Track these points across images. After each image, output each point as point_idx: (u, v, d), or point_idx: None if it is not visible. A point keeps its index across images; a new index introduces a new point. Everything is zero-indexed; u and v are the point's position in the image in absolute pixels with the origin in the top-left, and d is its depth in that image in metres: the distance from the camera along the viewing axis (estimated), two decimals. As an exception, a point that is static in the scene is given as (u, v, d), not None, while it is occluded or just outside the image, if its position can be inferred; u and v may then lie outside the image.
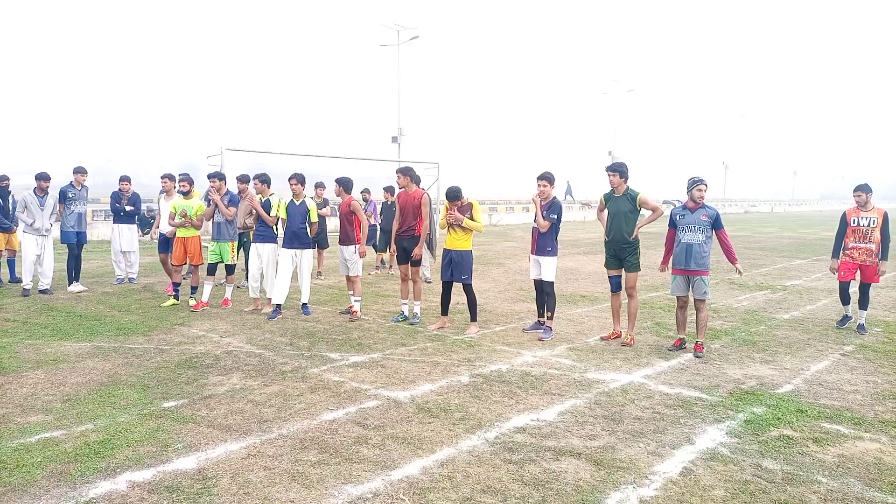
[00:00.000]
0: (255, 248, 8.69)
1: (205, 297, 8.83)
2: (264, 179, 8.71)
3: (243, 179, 10.13)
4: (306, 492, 3.58)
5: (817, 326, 8.28)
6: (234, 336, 7.27)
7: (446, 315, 7.90)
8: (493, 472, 3.87)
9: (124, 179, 11.05)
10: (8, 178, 10.34)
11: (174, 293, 9.15)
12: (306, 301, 8.64)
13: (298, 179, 8.38)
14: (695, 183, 6.70)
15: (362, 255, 8.39)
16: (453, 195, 7.51)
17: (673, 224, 6.89)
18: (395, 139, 36.97)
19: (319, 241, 11.68)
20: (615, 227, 7.09)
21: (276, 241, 8.73)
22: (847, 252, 8.06)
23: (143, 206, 11.85)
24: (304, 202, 8.45)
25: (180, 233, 8.95)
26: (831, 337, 7.68)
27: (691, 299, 6.88)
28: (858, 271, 8.00)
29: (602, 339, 7.30)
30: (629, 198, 7.02)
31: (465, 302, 7.80)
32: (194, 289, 9.01)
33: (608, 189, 7.28)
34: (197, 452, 4.07)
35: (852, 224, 8.00)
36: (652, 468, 3.97)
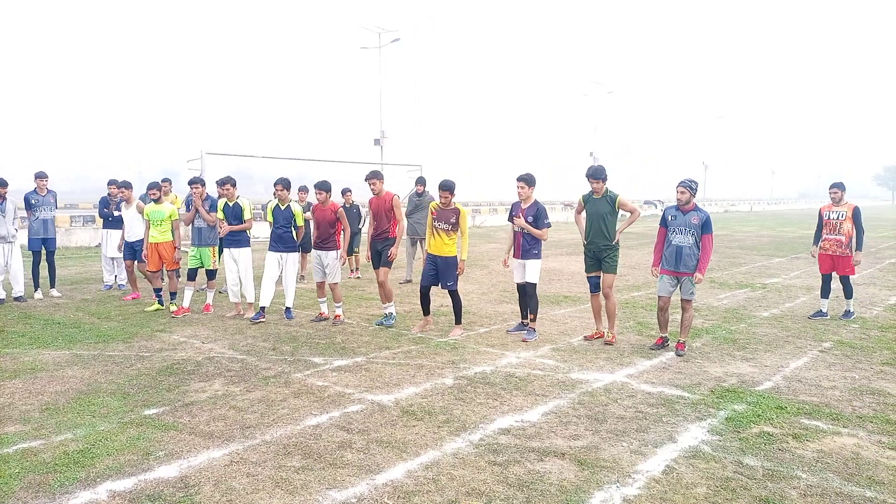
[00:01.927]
0: (230, 253, 8.65)
1: (186, 303, 8.73)
2: (235, 184, 8.62)
3: (223, 183, 10.08)
4: (290, 498, 3.56)
5: (796, 324, 8.40)
6: (215, 342, 7.21)
7: (429, 314, 7.79)
8: (477, 473, 3.88)
9: (112, 183, 10.86)
10: None
11: (157, 298, 9.07)
12: (290, 305, 8.59)
13: (284, 185, 8.32)
14: (690, 186, 6.66)
15: (343, 261, 8.35)
16: (447, 186, 7.40)
17: (665, 223, 6.86)
18: (377, 142, 36.90)
19: (304, 245, 11.62)
20: (595, 229, 7.11)
21: (249, 245, 8.73)
22: (823, 245, 8.79)
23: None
24: (289, 206, 8.39)
25: (153, 238, 8.93)
26: (810, 334, 7.79)
27: (673, 301, 6.92)
28: (834, 264, 8.69)
29: (585, 338, 7.35)
30: (608, 200, 7.04)
31: (449, 304, 7.80)
32: (174, 295, 8.93)
33: (587, 191, 7.31)
34: (179, 460, 4.03)
35: (825, 218, 8.76)
36: (635, 467, 4.00)
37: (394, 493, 3.62)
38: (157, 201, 8.99)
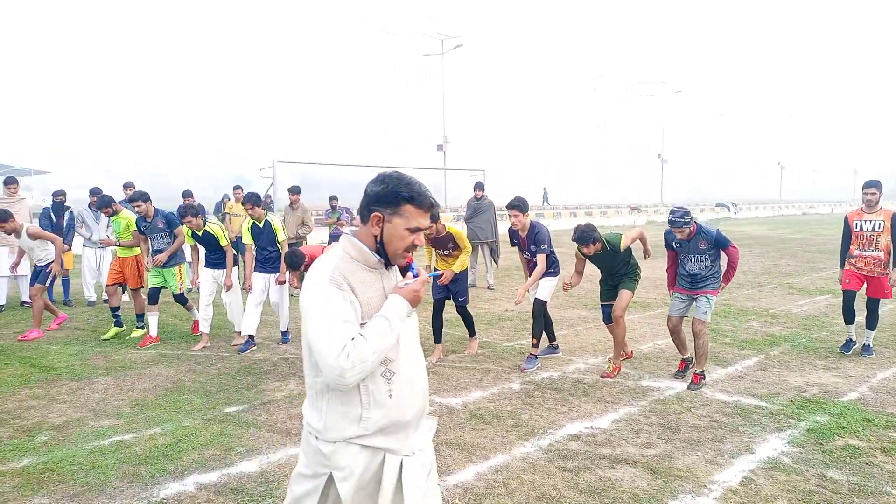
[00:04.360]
0: (210, 273, 7.52)
1: (153, 331, 7.52)
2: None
3: (294, 191, 10.54)
4: (364, 496, 3.66)
5: (883, 332, 7.94)
6: (290, 343, 7.46)
7: (441, 342, 6.85)
8: (547, 479, 3.88)
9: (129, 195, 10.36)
10: (64, 194, 10.21)
11: (115, 319, 7.97)
12: (284, 329, 7.66)
13: (253, 202, 7.19)
14: (674, 223, 5.68)
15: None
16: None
17: (669, 246, 6.04)
18: (440, 147, 37.28)
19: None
20: (609, 273, 6.33)
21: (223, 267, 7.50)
22: (851, 261, 6.90)
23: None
24: (268, 223, 7.28)
25: (119, 252, 7.99)
26: (899, 343, 7.36)
27: (686, 324, 6.08)
28: (865, 283, 6.86)
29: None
30: (612, 251, 6.09)
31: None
32: (140, 317, 7.90)
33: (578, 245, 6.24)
34: (259, 456, 4.21)
35: (855, 229, 6.84)
36: (711, 477, 3.91)
37: (465, 495, 3.67)
38: (113, 214, 7.96)
